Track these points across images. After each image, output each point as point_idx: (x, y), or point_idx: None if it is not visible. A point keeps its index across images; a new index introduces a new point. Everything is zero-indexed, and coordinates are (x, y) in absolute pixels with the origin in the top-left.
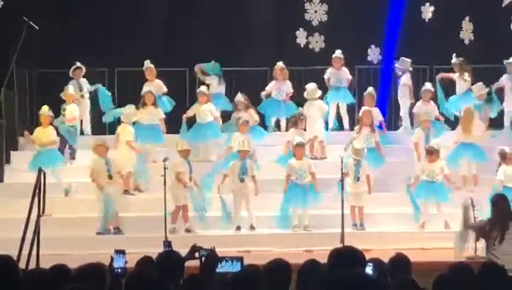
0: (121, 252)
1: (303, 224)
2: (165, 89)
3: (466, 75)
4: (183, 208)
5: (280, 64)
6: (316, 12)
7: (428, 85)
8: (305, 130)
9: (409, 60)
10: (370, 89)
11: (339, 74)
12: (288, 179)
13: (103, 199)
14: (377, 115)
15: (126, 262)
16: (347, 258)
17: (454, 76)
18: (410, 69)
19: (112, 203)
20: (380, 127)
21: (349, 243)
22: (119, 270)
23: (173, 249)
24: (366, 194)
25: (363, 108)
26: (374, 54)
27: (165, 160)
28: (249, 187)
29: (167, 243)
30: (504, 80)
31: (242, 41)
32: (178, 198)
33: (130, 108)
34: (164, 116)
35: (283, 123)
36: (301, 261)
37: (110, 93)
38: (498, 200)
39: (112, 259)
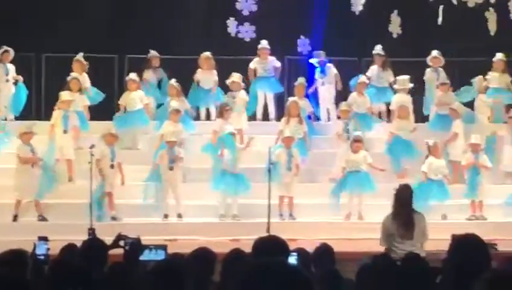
0: (43, 239)
1: (232, 213)
2: (87, 85)
3: (389, 70)
4: (108, 196)
5: (206, 53)
6: (247, 2)
7: (363, 78)
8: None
9: (322, 52)
10: (301, 79)
11: (265, 64)
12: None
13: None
14: (307, 105)
15: (49, 249)
16: (270, 247)
17: (373, 68)
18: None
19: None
20: (310, 117)
21: (276, 233)
22: (42, 257)
23: (97, 237)
24: (296, 184)
25: (290, 99)
26: (303, 44)
27: (91, 147)
28: (178, 175)
29: (91, 231)
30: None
31: (172, 29)
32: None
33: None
34: (89, 103)
35: (213, 111)
36: (227, 250)
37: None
38: (400, 191)
39: (35, 246)
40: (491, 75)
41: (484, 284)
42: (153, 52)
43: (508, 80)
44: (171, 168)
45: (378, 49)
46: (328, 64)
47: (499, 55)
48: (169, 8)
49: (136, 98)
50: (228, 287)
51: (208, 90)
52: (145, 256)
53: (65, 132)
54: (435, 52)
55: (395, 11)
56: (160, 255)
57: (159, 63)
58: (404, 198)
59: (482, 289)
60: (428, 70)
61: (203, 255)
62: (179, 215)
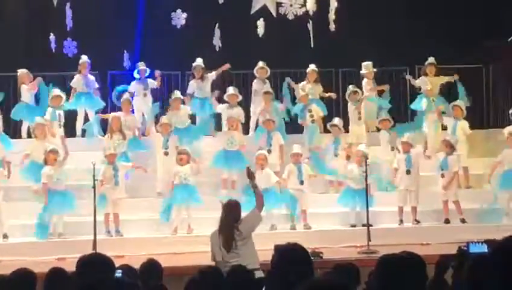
0: None
1: (58, 232)
2: None
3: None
4: None
5: (24, 70)
6: (68, 18)
7: (176, 93)
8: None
9: (142, 63)
10: (126, 95)
11: (86, 80)
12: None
13: None
14: (134, 121)
15: None
16: (94, 265)
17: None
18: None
19: None
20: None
21: (103, 250)
22: None
23: None
24: (123, 200)
25: (112, 114)
26: (128, 59)
27: None
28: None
29: None
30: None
31: None
32: None
33: None
34: None
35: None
36: None
37: None
38: (228, 206)
39: None
40: (306, 86)
41: None
42: None
43: (320, 90)
44: None
45: (199, 61)
46: (149, 80)
47: (312, 66)
48: None
49: None
50: None
51: (30, 105)
52: None
53: None
54: (261, 63)
55: (217, 24)
56: None
57: None
58: (232, 213)
59: None
60: (255, 81)
61: (22, 275)
62: (5, 236)
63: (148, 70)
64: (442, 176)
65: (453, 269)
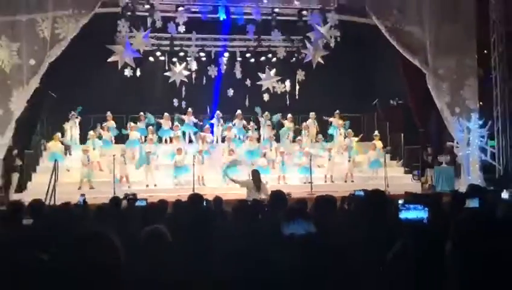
0: (83, 195)
1: (180, 182)
2: None
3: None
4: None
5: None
6: (183, 92)
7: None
8: None
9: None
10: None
11: (190, 120)
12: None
13: None
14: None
15: (85, 199)
16: (195, 198)
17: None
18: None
19: None
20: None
21: (197, 191)
22: (81, 203)
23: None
24: (205, 171)
25: (201, 133)
26: (209, 109)
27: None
28: (154, 162)
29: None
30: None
31: None
32: None
33: None
34: None
35: None
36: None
37: None
38: (255, 172)
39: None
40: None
41: (283, 213)
42: None
43: (293, 126)
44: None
45: (239, 112)
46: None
47: (289, 115)
48: None
49: None
50: (176, 217)
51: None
52: (138, 203)
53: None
54: (266, 112)
55: (247, 96)
56: (143, 203)
57: None
58: (257, 176)
59: (282, 216)
60: (262, 119)
61: (162, 202)
62: (155, 185)
63: (221, 115)
64: (349, 160)
65: (348, 202)
